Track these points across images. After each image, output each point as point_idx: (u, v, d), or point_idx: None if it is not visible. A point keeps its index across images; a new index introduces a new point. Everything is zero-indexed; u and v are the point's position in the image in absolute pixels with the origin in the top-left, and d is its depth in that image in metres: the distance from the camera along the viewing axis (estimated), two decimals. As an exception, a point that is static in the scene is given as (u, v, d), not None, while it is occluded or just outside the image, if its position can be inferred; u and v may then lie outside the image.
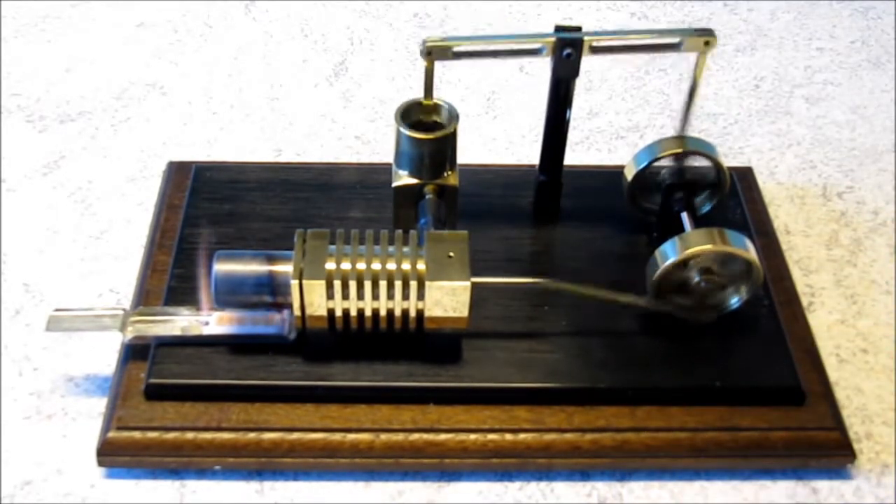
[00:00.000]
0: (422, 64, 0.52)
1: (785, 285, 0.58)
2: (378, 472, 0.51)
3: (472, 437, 0.51)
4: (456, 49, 0.52)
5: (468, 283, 0.49)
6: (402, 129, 0.53)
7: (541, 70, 0.76)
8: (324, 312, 0.50)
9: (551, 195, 0.60)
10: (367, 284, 0.49)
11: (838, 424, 0.52)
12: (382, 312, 0.50)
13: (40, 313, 0.58)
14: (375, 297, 0.50)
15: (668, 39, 0.52)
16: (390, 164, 0.55)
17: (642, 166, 0.57)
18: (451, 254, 0.50)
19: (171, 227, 0.60)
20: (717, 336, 0.54)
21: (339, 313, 0.50)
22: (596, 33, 0.52)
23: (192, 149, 0.69)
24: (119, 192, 0.66)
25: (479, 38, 0.52)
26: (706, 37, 0.52)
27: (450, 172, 0.54)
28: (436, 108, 0.54)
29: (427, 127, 0.54)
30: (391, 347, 0.52)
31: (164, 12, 0.82)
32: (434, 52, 0.51)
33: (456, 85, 0.75)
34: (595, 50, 0.53)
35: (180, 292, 0.55)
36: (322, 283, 0.49)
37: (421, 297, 0.49)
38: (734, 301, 0.53)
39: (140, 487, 0.51)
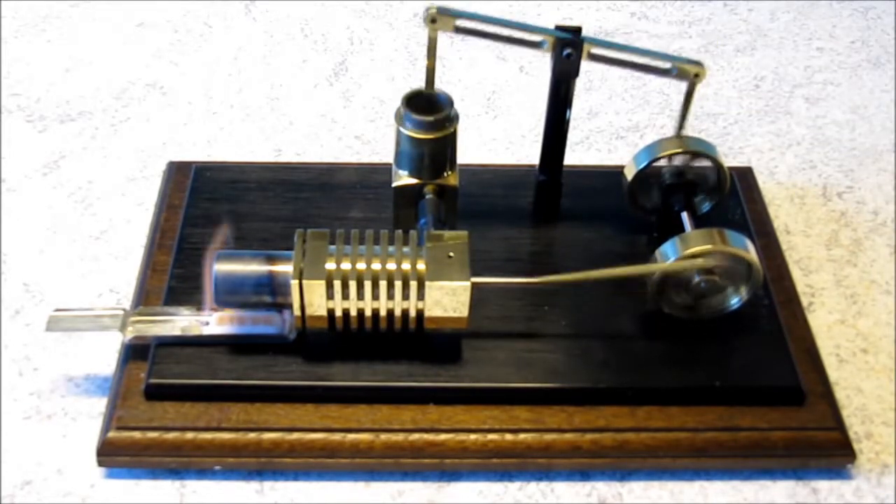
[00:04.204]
0: (422, 64, 0.52)
1: (785, 285, 0.58)
2: (378, 472, 0.51)
3: (472, 437, 0.51)
4: (458, 23, 0.52)
5: (468, 283, 0.49)
6: (402, 129, 0.53)
7: (541, 70, 0.76)
8: (324, 312, 0.50)
9: (551, 195, 0.60)
10: (367, 284, 0.49)
11: (838, 424, 0.52)
12: (382, 312, 0.50)
13: (40, 313, 0.58)
14: (375, 297, 0.50)
15: (661, 63, 0.54)
16: (390, 164, 0.55)
17: (642, 166, 0.57)
18: (451, 254, 0.50)
19: (171, 227, 0.60)
20: (717, 336, 0.54)
21: (339, 313, 0.50)
22: (595, 41, 0.53)
23: (192, 149, 0.69)
24: (119, 192, 0.66)
25: (483, 17, 0.52)
26: (697, 68, 0.53)
27: (450, 172, 0.54)
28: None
29: (429, 108, 0.53)
30: (391, 347, 0.52)
31: (164, 12, 0.82)
32: (438, 21, 0.51)
33: (456, 85, 0.75)
34: (593, 57, 0.53)
35: (180, 292, 0.55)
36: (322, 283, 0.49)
37: (421, 297, 0.49)
38: (734, 301, 0.53)
39: (140, 487, 0.51)
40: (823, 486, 0.52)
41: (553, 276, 0.52)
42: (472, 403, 0.51)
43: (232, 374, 0.51)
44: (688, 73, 0.53)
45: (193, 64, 0.77)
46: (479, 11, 0.52)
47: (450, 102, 0.53)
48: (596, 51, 0.53)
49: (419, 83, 0.54)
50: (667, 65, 0.54)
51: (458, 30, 0.52)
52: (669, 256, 0.52)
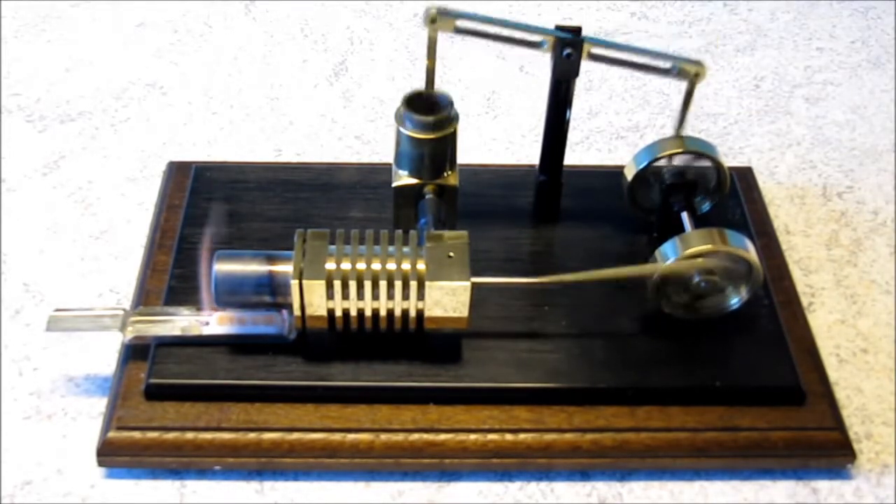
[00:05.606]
0: (422, 64, 0.52)
1: (785, 285, 0.58)
2: (378, 472, 0.51)
3: (472, 437, 0.51)
4: (459, 24, 0.52)
5: (468, 283, 0.49)
6: (402, 130, 0.53)
7: (541, 70, 0.76)
8: (324, 312, 0.50)
9: (551, 195, 0.60)
10: (367, 284, 0.49)
11: (838, 424, 0.52)
12: (382, 312, 0.50)
13: (40, 313, 0.58)
14: (375, 297, 0.50)
15: (661, 63, 0.54)
16: (390, 164, 0.55)
17: (642, 166, 0.57)
18: (451, 254, 0.50)
19: (171, 227, 0.60)
20: (717, 336, 0.54)
21: (339, 313, 0.50)
22: (595, 40, 0.53)
23: (192, 149, 0.69)
24: (119, 192, 0.66)
25: (483, 17, 0.52)
26: (697, 67, 0.53)
27: (450, 172, 0.54)
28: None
29: (429, 108, 0.53)
30: (391, 347, 0.52)
31: (164, 12, 0.82)
32: (438, 21, 0.51)
33: (456, 85, 0.75)
34: (593, 57, 0.53)
35: (180, 292, 0.55)
36: (322, 283, 0.49)
37: (421, 297, 0.49)
38: (734, 301, 0.53)
39: (140, 487, 0.51)
40: (823, 486, 0.52)
41: (553, 276, 0.52)
42: (472, 403, 0.51)
43: (232, 374, 0.51)
44: (688, 72, 0.53)
45: (193, 64, 0.77)
46: (479, 11, 0.52)
47: (450, 103, 0.53)
48: (596, 51, 0.53)
49: (419, 83, 0.54)
50: (667, 64, 0.54)
51: (459, 30, 0.52)
52: (669, 256, 0.52)
